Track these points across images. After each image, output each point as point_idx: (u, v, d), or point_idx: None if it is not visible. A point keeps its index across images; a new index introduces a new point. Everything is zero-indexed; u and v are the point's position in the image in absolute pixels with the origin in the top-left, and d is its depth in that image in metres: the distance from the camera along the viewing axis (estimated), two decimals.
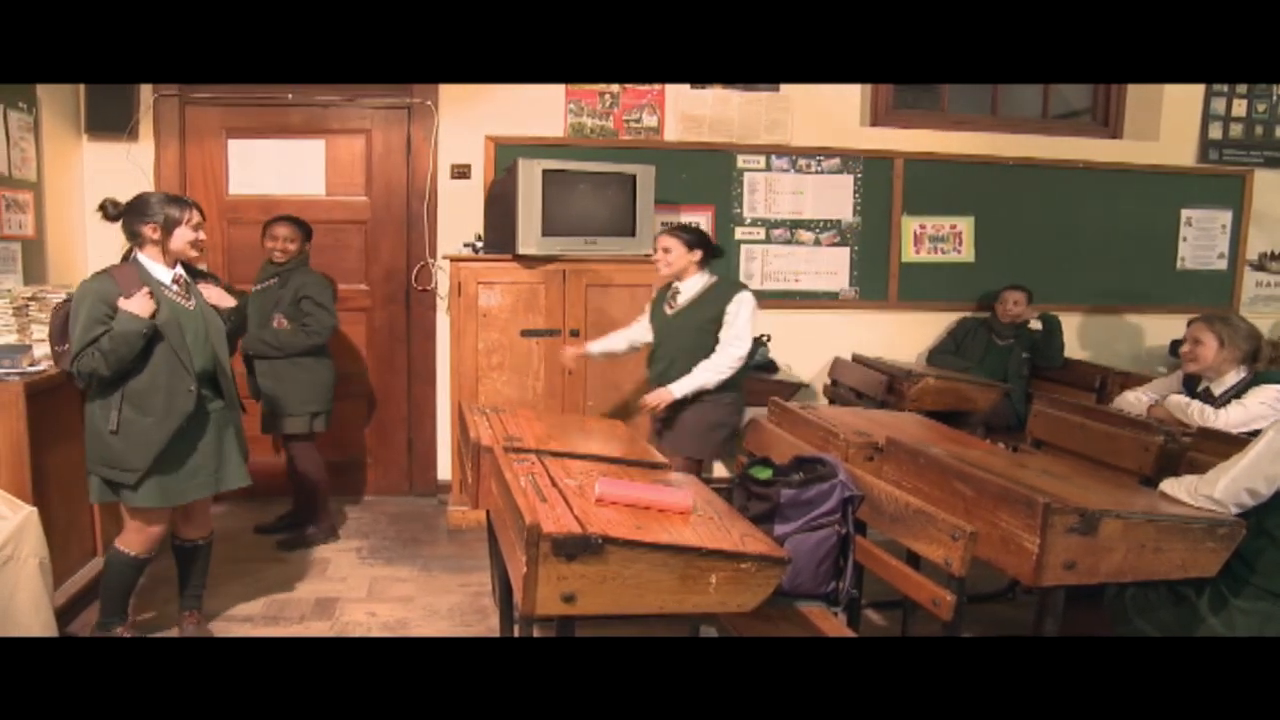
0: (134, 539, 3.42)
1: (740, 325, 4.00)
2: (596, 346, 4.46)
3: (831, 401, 5.57)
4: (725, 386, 4.04)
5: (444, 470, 5.55)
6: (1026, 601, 4.07)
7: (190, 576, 3.69)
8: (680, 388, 3.99)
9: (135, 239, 3.33)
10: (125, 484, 3.28)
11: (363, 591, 4.20)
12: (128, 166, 5.12)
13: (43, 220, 4.57)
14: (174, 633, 3.69)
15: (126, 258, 3.38)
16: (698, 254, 4.09)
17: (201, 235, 3.40)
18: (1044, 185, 5.94)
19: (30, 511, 3.23)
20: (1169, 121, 6.04)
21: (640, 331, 4.37)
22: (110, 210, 3.36)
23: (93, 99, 5.08)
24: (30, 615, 3.18)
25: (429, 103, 5.33)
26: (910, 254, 5.86)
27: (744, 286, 4.12)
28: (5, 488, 3.35)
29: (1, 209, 4.22)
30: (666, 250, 4.10)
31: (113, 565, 3.48)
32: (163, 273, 3.35)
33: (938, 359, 5.75)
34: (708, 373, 3.98)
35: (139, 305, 3.17)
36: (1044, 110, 6.17)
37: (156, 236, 3.31)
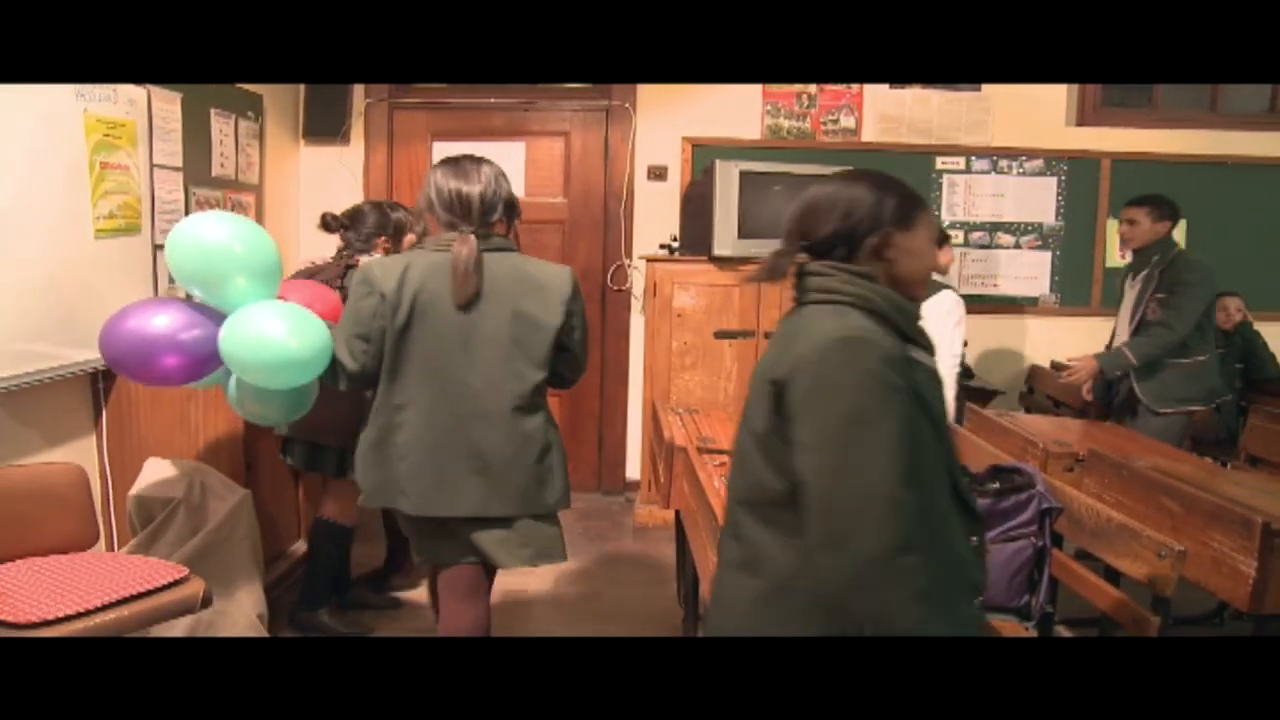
0: (342, 508, 3.52)
1: None
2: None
3: (1028, 410, 5.41)
4: None
5: (633, 469, 5.66)
6: (1236, 627, 3.88)
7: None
8: None
9: (367, 246, 3.56)
10: None
11: (548, 585, 4.30)
12: (339, 169, 5.45)
13: (262, 220, 4.87)
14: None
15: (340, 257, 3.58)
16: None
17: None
18: (1269, 185, 5.57)
19: (245, 494, 3.44)
20: None
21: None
22: (331, 223, 3.60)
23: (311, 106, 5.42)
24: (243, 591, 3.38)
25: (627, 105, 5.46)
26: (1115, 258, 5.62)
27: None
28: (223, 473, 3.57)
29: (228, 210, 4.52)
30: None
31: (321, 538, 3.58)
32: None
33: None
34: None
35: None
36: (1272, 104, 5.79)
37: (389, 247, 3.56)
